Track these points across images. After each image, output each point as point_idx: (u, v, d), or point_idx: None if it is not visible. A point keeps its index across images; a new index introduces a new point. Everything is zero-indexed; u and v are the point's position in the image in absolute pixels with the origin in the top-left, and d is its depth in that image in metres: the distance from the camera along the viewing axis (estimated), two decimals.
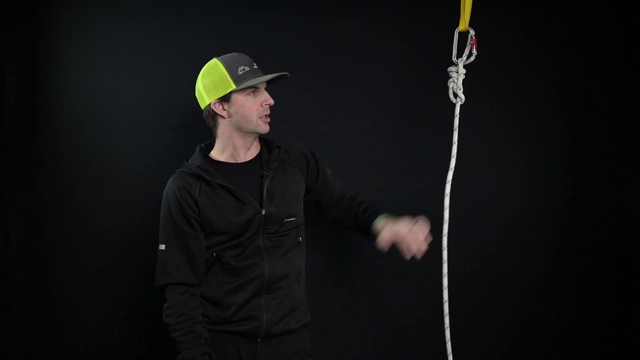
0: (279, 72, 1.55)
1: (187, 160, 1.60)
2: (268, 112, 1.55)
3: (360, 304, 2.01)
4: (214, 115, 1.56)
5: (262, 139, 1.65)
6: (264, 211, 1.52)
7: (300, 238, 1.63)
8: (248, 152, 1.60)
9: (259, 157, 1.61)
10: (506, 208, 2.02)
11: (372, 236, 1.64)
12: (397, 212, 1.90)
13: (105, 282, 1.93)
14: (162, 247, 1.52)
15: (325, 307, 1.96)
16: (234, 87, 1.50)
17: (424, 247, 1.55)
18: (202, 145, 1.64)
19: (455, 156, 1.54)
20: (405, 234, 1.54)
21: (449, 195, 1.53)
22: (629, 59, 2.00)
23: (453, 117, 1.55)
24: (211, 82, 1.53)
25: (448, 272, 2.03)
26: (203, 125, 1.92)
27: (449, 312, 1.93)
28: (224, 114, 1.54)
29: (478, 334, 2.03)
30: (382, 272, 2.00)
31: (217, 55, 1.56)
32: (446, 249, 1.55)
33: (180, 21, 1.92)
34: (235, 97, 1.52)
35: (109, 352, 1.94)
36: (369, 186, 1.89)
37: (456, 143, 1.53)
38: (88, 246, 1.92)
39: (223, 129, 1.57)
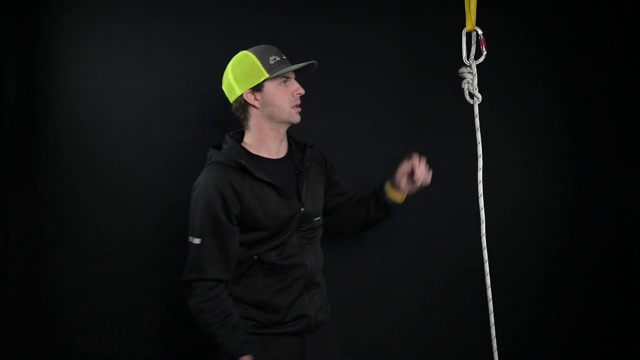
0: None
1: (214, 149, 1.57)
2: (299, 102, 1.56)
3: (362, 304, 2.01)
4: (245, 106, 1.54)
5: (289, 136, 1.65)
6: (303, 209, 1.53)
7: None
8: (281, 147, 1.60)
9: (290, 155, 1.62)
10: (506, 208, 2.02)
11: (387, 206, 1.67)
12: (398, 211, 1.91)
13: (105, 282, 1.92)
14: (197, 241, 1.45)
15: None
16: (266, 75, 1.50)
17: (429, 177, 1.63)
18: (231, 134, 1.60)
19: (481, 155, 1.51)
20: (417, 163, 1.60)
21: (482, 195, 1.50)
22: (629, 59, 2.00)
23: (471, 118, 1.53)
24: (243, 72, 1.52)
25: (448, 272, 2.04)
26: (203, 125, 1.93)
27: (449, 312, 1.93)
28: (256, 103, 1.53)
29: (478, 334, 2.03)
30: (380, 271, 2.00)
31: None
32: (486, 248, 1.53)
33: (180, 21, 1.91)
34: (268, 86, 1.52)
35: (109, 352, 1.94)
36: (369, 186, 1.88)
37: (480, 143, 1.51)
38: (88, 246, 1.92)
39: (255, 120, 1.55)
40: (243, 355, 1.43)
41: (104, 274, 1.92)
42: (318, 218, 1.62)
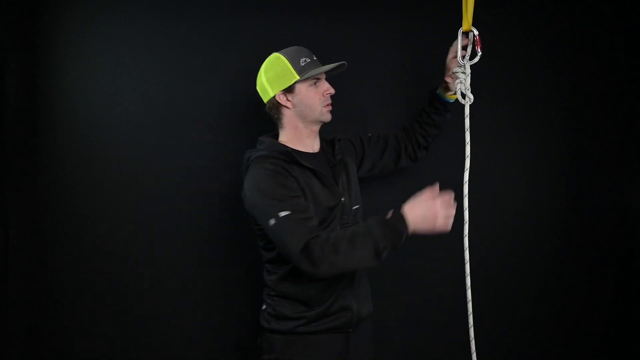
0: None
1: (250, 150, 1.60)
2: (330, 101, 1.61)
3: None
4: (278, 106, 1.60)
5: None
6: (343, 199, 1.58)
7: None
8: (315, 143, 1.65)
9: (323, 150, 1.68)
10: (506, 208, 2.02)
11: (444, 105, 1.75)
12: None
13: (105, 282, 1.92)
14: (285, 213, 1.40)
15: None
16: (297, 77, 1.55)
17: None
18: (264, 135, 1.64)
19: (469, 156, 1.52)
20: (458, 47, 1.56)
21: (467, 195, 1.51)
22: (629, 59, 2.00)
23: (463, 118, 1.53)
24: (275, 74, 1.57)
25: (447, 272, 2.03)
26: (203, 125, 1.93)
27: (449, 312, 1.93)
28: (288, 104, 1.58)
29: (478, 334, 2.03)
30: (381, 271, 2.00)
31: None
32: (467, 249, 1.52)
33: (180, 21, 1.91)
34: (299, 88, 1.57)
35: (109, 352, 1.94)
36: (369, 186, 1.89)
37: (469, 143, 1.52)
38: (88, 246, 1.92)
39: (288, 119, 1.61)
40: (404, 226, 1.39)
41: (104, 274, 1.92)
42: (357, 206, 1.66)
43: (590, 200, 2.03)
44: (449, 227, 1.43)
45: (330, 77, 1.67)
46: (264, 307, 1.63)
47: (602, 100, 2.01)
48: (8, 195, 1.87)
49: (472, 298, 1.54)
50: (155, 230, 1.94)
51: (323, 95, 1.60)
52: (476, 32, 1.51)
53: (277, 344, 1.55)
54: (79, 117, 1.90)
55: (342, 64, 1.60)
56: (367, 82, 1.98)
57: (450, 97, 1.75)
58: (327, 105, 1.61)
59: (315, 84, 1.59)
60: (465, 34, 1.54)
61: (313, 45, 1.93)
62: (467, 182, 1.52)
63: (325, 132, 1.93)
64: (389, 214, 1.43)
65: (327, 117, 1.62)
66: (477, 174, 1.97)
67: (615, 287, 2.03)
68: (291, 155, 1.53)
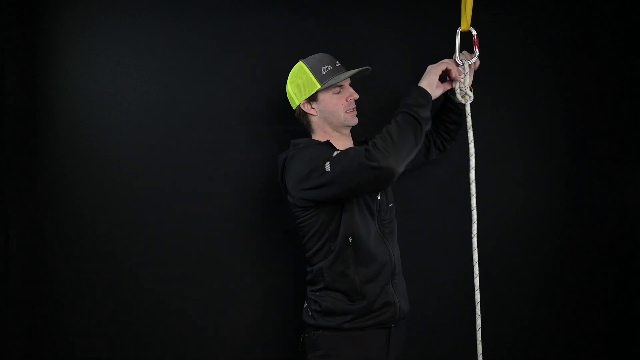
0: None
1: (288, 150, 1.65)
2: (353, 105, 1.65)
3: None
4: (304, 114, 1.66)
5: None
6: (379, 197, 1.63)
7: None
8: (347, 143, 1.69)
9: None
10: (506, 208, 2.02)
11: (455, 105, 1.73)
12: (398, 210, 1.91)
13: (105, 282, 1.92)
14: (336, 152, 1.49)
15: None
16: (318, 86, 1.60)
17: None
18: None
19: (474, 155, 1.53)
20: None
21: (475, 194, 1.53)
22: (629, 59, 2.00)
23: (465, 117, 1.56)
24: (299, 84, 1.63)
25: (448, 273, 2.04)
26: (203, 125, 1.93)
27: (450, 312, 1.93)
28: (313, 112, 1.64)
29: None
30: None
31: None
32: (476, 250, 1.54)
33: (180, 21, 1.91)
34: (322, 96, 1.62)
35: (109, 352, 1.94)
36: None
37: (472, 142, 1.53)
38: (88, 246, 1.92)
39: (316, 125, 1.67)
40: (417, 87, 1.52)
41: (104, 274, 1.92)
42: (392, 204, 1.70)
43: (590, 200, 2.03)
44: (445, 62, 1.56)
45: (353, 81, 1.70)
46: (306, 304, 1.66)
47: (602, 100, 2.01)
48: (8, 195, 1.87)
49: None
50: (155, 230, 1.93)
51: (346, 101, 1.63)
52: (474, 33, 1.52)
53: (322, 340, 1.58)
54: (79, 117, 1.90)
55: (366, 68, 1.64)
56: (367, 81, 1.98)
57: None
58: (351, 110, 1.64)
59: (338, 91, 1.63)
60: (464, 34, 1.54)
61: (313, 46, 1.94)
62: (474, 182, 1.52)
63: None
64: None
65: (353, 122, 1.65)
66: (477, 174, 1.98)
67: (615, 287, 2.03)
68: (331, 144, 1.60)
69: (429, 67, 1.57)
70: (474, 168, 1.54)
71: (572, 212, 2.03)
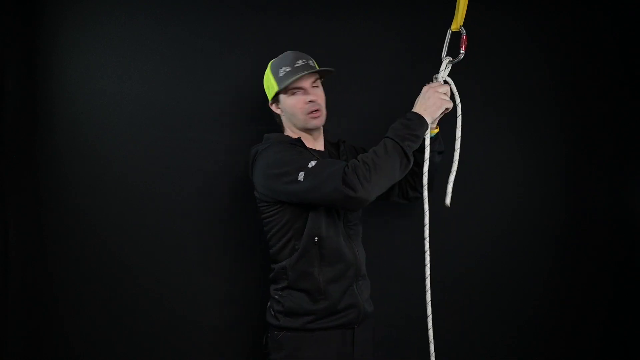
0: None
1: (259, 144, 1.62)
2: (314, 108, 1.58)
3: None
4: (274, 113, 1.67)
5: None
6: None
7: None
8: (317, 143, 1.67)
9: (327, 150, 1.70)
10: (505, 208, 2.02)
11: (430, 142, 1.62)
12: (397, 210, 1.91)
13: (105, 282, 1.92)
14: (312, 163, 1.43)
15: None
16: (276, 89, 1.59)
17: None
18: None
19: (427, 199, 1.57)
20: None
21: (426, 186, 1.56)
22: (629, 59, 2.00)
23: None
24: (266, 85, 1.66)
25: (448, 273, 2.04)
26: (203, 125, 1.94)
27: (450, 312, 1.93)
28: (279, 112, 1.65)
29: (477, 334, 2.03)
30: (379, 270, 2.00)
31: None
32: (427, 238, 1.57)
33: (180, 21, 1.92)
34: (282, 98, 1.61)
35: (109, 352, 1.94)
36: None
37: (426, 173, 1.57)
38: (88, 246, 1.92)
39: (285, 124, 1.67)
40: (416, 115, 1.48)
41: (104, 274, 1.92)
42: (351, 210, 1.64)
43: (589, 200, 2.03)
44: (450, 102, 1.53)
45: (328, 77, 1.68)
46: (269, 304, 1.63)
47: (602, 100, 2.01)
48: (8, 195, 1.87)
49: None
50: (155, 230, 1.93)
51: (305, 104, 1.58)
52: (464, 33, 1.52)
53: (285, 341, 1.55)
54: (79, 117, 1.90)
55: (328, 70, 1.59)
56: (367, 81, 1.98)
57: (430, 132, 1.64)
58: (311, 113, 1.58)
59: (294, 93, 1.58)
60: (455, 33, 1.55)
61: (313, 45, 1.94)
62: (426, 174, 1.55)
63: (327, 132, 1.94)
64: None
65: (312, 125, 1.60)
66: (477, 174, 1.98)
67: (615, 288, 2.03)
68: (301, 142, 1.57)
69: (441, 102, 1.51)
70: (427, 198, 1.56)
71: (571, 212, 2.03)
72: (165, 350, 1.96)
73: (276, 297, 1.59)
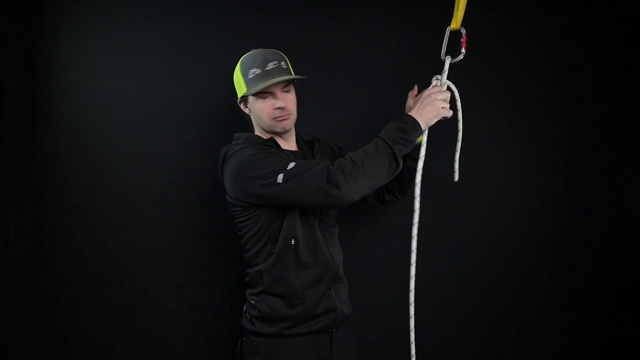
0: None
1: (225, 145, 1.59)
2: (281, 114, 1.53)
3: (359, 303, 2.01)
4: (241, 111, 1.63)
5: (296, 135, 1.68)
6: None
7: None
8: (289, 143, 1.63)
9: (301, 150, 1.65)
10: (505, 208, 2.02)
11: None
12: (396, 210, 1.91)
13: (105, 282, 1.93)
14: (291, 165, 1.39)
15: None
16: (245, 90, 1.54)
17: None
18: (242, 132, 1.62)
19: (418, 208, 1.54)
20: (415, 92, 1.69)
21: (419, 183, 1.53)
22: (628, 59, 2.00)
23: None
24: (235, 81, 1.59)
25: (447, 273, 2.04)
26: (203, 125, 1.94)
27: (450, 312, 1.93)
28: (247, 111, 1.61)
29: (477, 334, 2.03)
30: (379, 270, 2.00)
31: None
32: (415, 237, 1.54)
33: (180, 21, 1.92)
34: (251, 99, 1.56)
35: (109, 352, 1.94)
36: None
37: (418, 198, 1.54)
38: (88, 246, 1.92)
39: (254, 124, 1.62)
40: (411, 119, 1.46)
41: (104, 274, 1.93)
42: (333, 210, 1.63)
43: (589, 200, 2.03)
44: (450, 111, 1.51)
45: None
46: (245, 307, 1.60)
47: (602, 99, 2.01)
48: (8, 195, 1.87)
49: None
50: (155, 230, 1.94)
51: (272, 109, 1.52)
52: (464, 32, 1.51)
53: (262, 347, 1.51)
54: (79, 117, 1.91)
55: (298, 78, 1.52)
56: (367, 81, 1.98)
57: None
58: (278, 118, 1.53)
59: (265, 97, 1.52)
60: (454, 32, 1.54)
61: (313, 45, 1.94)
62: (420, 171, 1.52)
63: (327, 132, 1.94)
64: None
65: (279, 128, 1.55)
66: (476, 173, 1.98)
67: (615, 287, 2.03)
68: (274, 142, 1.52)
69: (439, 110, 1.49)
70: (420, 175, 1.53)
71: (571, 212, 2.03)
72: (165, 350, 1.96)
73: (252, 301, 1.55)
